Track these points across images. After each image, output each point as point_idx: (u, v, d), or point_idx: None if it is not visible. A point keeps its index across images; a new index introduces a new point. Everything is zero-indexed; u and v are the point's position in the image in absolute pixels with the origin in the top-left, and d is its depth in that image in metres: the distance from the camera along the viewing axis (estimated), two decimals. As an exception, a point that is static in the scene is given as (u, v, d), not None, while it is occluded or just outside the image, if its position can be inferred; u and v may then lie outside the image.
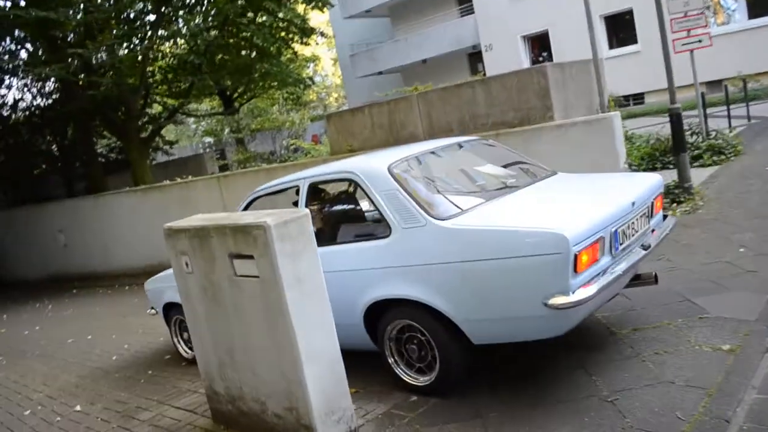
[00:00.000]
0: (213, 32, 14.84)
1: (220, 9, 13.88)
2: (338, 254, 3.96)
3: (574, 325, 3.38)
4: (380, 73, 27.75)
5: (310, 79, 24.68)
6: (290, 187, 4.55)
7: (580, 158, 6.40)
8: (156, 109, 17.26)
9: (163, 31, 14.25)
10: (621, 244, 3.53)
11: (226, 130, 24.69)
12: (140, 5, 14.61)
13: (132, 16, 14.37)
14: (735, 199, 6.99)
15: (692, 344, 3.71)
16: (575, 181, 4.49)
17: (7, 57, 15.10)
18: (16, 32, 14.48)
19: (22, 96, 17.26)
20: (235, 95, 21.60)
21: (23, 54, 15.33)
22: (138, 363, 5.93)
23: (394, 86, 22.03)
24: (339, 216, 4.59)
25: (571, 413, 3.23)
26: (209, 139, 28.79)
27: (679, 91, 7.73)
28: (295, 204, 4.42)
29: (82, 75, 13.36)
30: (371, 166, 4.03)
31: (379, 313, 3.86)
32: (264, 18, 16.02)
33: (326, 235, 4.25)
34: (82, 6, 12.58)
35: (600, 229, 3.30)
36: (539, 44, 22.85)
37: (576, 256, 3.10)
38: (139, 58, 13.76)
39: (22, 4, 12.93)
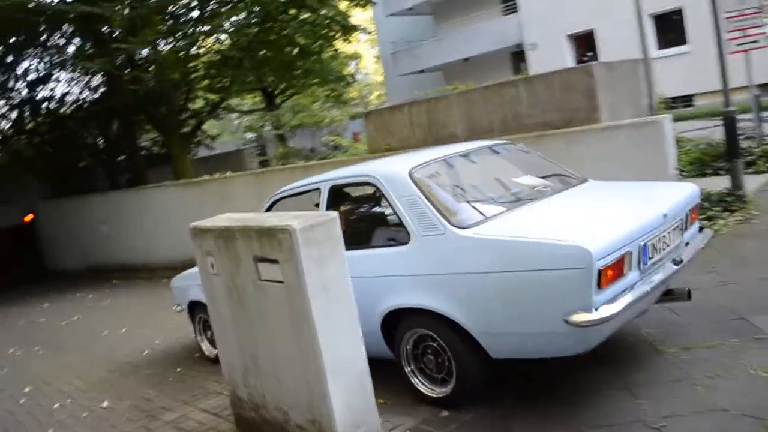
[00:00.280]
0: (255, 28, 14.88)
1: (262, 3, 13.88)
2: (357, 259, 3.79)
3: (597, 344, 3.21)
4: (422, 71, 27.51)
5: (351, 76, 24.67)
6: (312, 190, 4.44)
7: (626, 163, 6.11)
8: (197, 104, 17.43)
9: (206, 27, 14.35)
10: (650, 259, 3.35)
11: (267, 127, 24.85)
12: (185, 0, 14.77)
13: (176, 12, 14.52)
14: (793, 209, 6.59)
15: (748, 368, 3.43)
16: (606, 189, 4.28)
17: (54, 51, 15.40)
18: (65, 27, 14.80)
19: (69, 90, 17.67)
20: (277, 92, 21.70)
21: (71, 49, 15.65)
22: (168, 360, 5.89)
23: (435, 85, 21.83)
24: (359, 220, 4.46)
25: (613, 439, 3.01)
26: (251, 135, 29.03)
27: (731, 93, 7.32)
28: (317, 206, 4.31)
29: (127, 70, 13.53)
30: (391, 171, 3.91)
31: (396, 321, 3.74)
32: (306, 15, 16.02)
33: (346, 240, 4.09)
34: (127, 1, 12.72)
35: (627, 243, 3.14)
36: (584, 44, 22.29)
37: (600, 272, 2.94)
38: (182, 54, 13.88)
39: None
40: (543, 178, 4.27)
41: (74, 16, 12.00)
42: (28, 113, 17.22)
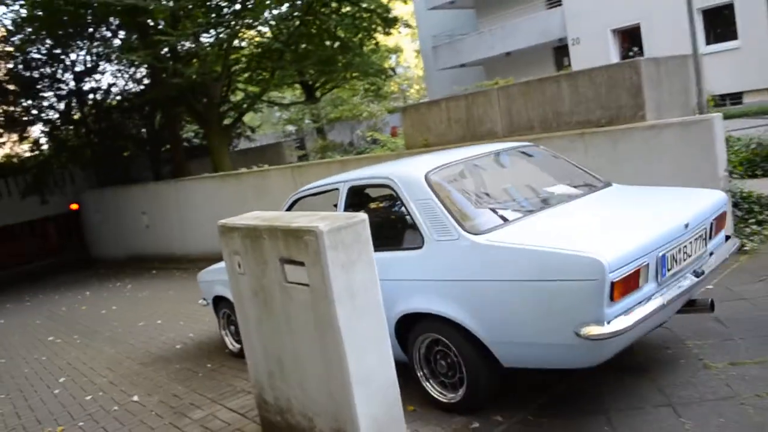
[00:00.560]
0: (296, 21, 14.87)
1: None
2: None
3: (610, 357, 3.10)
4: (462, 65, 27.13)
5: (392, 70, 24.52)
6: (331, 190, 4.41)
7: (674, 163, 5.84)
8: (238, 95, 17.56)
9: (248, 20, 14.40)
10: (669, 270, 3.22)
11: (307, 120, 24.90)
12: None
13: (218, 3, 14.60)
14: None
15: (803, 389, 3.20)
16: (629, 195, 4.13)
17: (100, 43, 15.69)
18: (111, 20, 15.06)
19: (115, 82, 18.03)
20: (317, 85, 21.70)
21: (117, 41, 15.92)
22: (199, 355, 5.89)
23: (476, 79, 21.48)
24: (376, 222, 4.35)
25: (654, 461, 2.83)
26: (291, 128, 29.17)
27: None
28: (335, 207, 4.28)
29: (171, 63, 13.70)
30: (408, 173, 3.83)
31: (410, 325, 3.70)
32: (347, 8, 15.94)
33: None
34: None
35: (644, 254, 3.03)
36: (629, 39, 21.64)
37: (613, 284, 2.84)
38: (224, 46, 13.96)
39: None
40: (564, 182, 4.18)
41: (120, 8, 12.17)
42: (75, 104, 17.63)
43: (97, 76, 17.55)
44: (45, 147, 18.38)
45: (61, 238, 19.41)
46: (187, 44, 13.83)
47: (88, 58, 16.88)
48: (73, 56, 16.86)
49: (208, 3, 13.96)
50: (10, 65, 17.24)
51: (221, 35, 14.05)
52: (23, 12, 14.62)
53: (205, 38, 14.36)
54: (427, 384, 3.72)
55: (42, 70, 17.07)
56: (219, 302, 5.56)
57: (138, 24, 13.70)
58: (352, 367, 2.82)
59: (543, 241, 3.14)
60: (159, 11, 12.51)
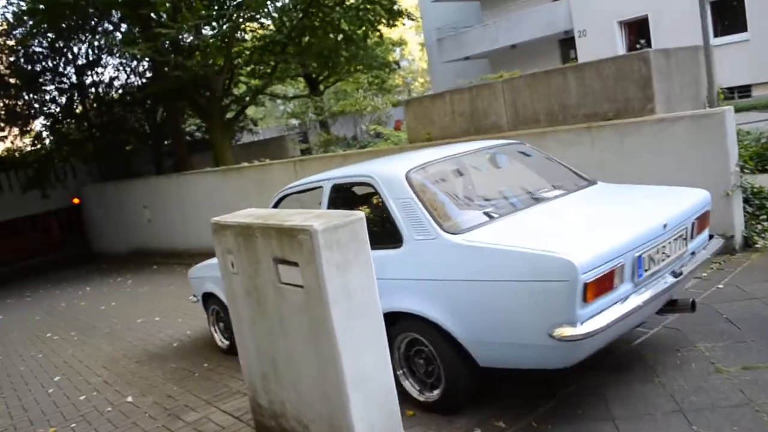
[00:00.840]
0: (299, 13, 14.70)
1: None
2: None
3: (585, 357, 3.08)
4: (467, 58, 26.87)
5: (396, 63, 24.27)
6: (315, 188, 4.41)
7: (684, 157, 5.67)
8: (241, 89, 17.41)
9: (251, 13, 14.23)
10: (647, 271, 3.22)
11: (310, 113, 24.73)
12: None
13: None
14: None
15: (821, 395, 3.05)
16: (611, 194, 4.14)
17: (102, 36, 15.55)
18: (113, 13, 14.91)
19: (117, 75, 17.91)
20: (321, 78, 21.52)
21: (119, 35, 15.78)
22: (196, 353, 5.77)
23: (481, 72, 21.28)
24: None
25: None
26: (295, 121, 29.02)
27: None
28: (320, 204, 4.25)
29: (172, 56, 13.55)
30: (388, 171, 3.83)
31: (389, 323, 3.59)
32: (351, 1, 15.74)
33: None
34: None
35: (619, 255, 3.02)
36: (637, 31, 21.38)
37: (586, 285, 2.83)
38: (226, 38, 13.80)
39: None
40: (547, 180, 4.17)
41: (122, 0, 12.04)
42: (77, 98, 17.52)
43: (99, 70, 17.43)
44: (47, 141, 18.27)
45: (63, 233, 19.34)
46: (190, 37, 13.65)
47: (90, 51, 16.76)
48: (75, 49, 16.75)
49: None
50: (12, 58, 17.11)
51: (224, 27, 13.89)
52: (23, 5, 14.49)
53: (207, 31, 14.20)
54: (407, 382, 3.69)
55: (44, 63, 16.94)
56: (208, 299, 5.58)
57: (140, 17, 13.54)
58: (347, 370, 2.69)
59: (517, 241, 3.14)
60: (161, 3, 12.38)
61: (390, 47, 26.88)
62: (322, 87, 22.12)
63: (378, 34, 18.06)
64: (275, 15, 15.39)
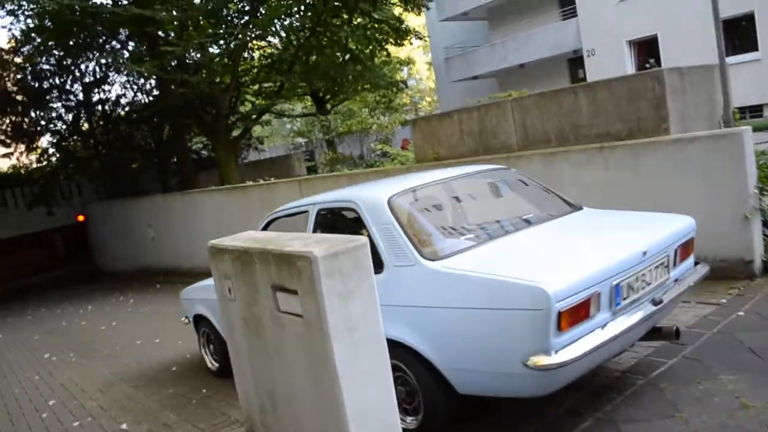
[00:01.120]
0: (306, 32, 14.68)
1: (313, 5, 13.67)
2: None
3: (562, 386, 3.07)
4: (475, 77, 26.84)
5: (403, 82, 24.27)
6: (302, 212, 4.39)
7: (700, 179, 5.49)
8: (246, 107, 17.38)
9: (258, 31, 14.22)
10: (625, 299, 3.17)
11: (317, 131, 24.67)
12: (239, 5, 14.69)
13: (228, 15, 14.44)
14: None
15: None
16: (595, 220, 4.10)
17: (109, 54, 15.57)
18: (121, 31, 14.93)
19: (124, 93, 17.91)
20: (327, 97, 21.49)
21: (126, 53, 15.80)
22: (194, 378, 5.57)
23: (489, 91, 21.15)
24: None
25: None
26: (301, 140, 29.01)
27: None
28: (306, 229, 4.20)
29: (179, 74, 13.54)
30: (371, 197, 3.83)
31: None
32: (359, 20, 15.73)
33: None
34: (177, 4, 12.68)
35: (595, 283, 2.98)
36: (646, 50, 21.28)
37: (560, 314, 2.80)
38: (232, 56, 13.77)
39: (124, 2, 13.26)
40: (532, 206, 4.17)
41: (128, 18, 12.03)
42: (83, 115, 17.52)
43: (106, 87, 17.46)
44: (53, 158, 18.26)
45: (68, 250, 19.25)
46: (198, 55, 13.63)
47: (97, 69, 16.80)
48: (82, 67, 16.78)
49: (216, 14, 13.80)
50: (19, 76, 17.16)
51: (231, 44, 13.88)
52: (31, 23, 14.54)
53: (214, 49, 14.18)
54: None
55: (51, 80, 16.98)
56: (199, 321, 5.54)
57: (147, 35, 13.55)
58: (349, 406, 2.49)
59: (493, 268, 3.12)
60: (168, 21, 12.37)
61: (397, 66, 26.86)
62: (329, 105, 22.09)
63: (385, 53, 18.05)
64: (282, 33, 15.41)
